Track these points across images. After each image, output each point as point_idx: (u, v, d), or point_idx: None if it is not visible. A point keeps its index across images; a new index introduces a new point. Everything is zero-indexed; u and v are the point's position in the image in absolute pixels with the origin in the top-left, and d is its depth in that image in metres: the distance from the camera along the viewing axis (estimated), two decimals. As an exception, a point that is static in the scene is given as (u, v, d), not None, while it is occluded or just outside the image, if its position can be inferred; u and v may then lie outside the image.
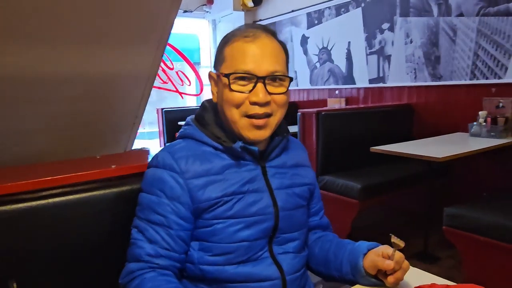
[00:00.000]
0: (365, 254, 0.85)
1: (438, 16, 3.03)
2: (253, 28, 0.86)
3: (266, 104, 0.83)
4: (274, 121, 0.87)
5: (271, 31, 0.88)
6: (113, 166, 0.97)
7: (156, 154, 0.89)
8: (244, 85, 0.83)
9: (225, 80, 0.83)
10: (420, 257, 2.51)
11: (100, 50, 1.35)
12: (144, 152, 1.30)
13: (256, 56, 0.82)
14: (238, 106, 0.84)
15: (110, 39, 1.35)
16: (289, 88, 0.88)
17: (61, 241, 0.85)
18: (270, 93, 0.83)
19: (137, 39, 1.38)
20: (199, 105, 0.98)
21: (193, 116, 0.95)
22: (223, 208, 0.83)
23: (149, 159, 1.19)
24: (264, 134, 0.86)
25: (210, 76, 0.91)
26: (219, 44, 0.89)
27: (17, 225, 0.80)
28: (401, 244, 0.79)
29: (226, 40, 0.87)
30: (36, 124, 1.40)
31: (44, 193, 0.85)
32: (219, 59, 0.88)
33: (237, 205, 0.84)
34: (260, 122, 0.84)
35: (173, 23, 1.39)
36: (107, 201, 0.92)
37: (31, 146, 1.46)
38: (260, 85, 0.82)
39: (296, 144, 1.02)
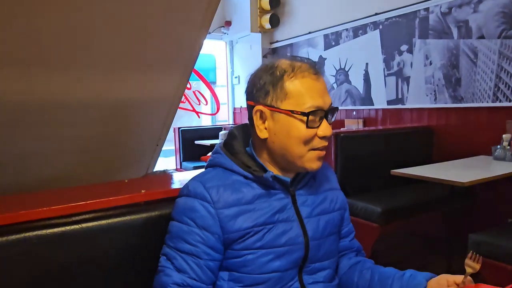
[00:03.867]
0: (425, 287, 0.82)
1: (458, 38, 3.02)
2: (311, 63, 0.86)
3: (330, 136, 0.86)
4: None
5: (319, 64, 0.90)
6: (142, 191, 0.98)
7: (186, 184, 0.89)
8: (313, 121, 0.83)
9: (302, 117, 0.82)
10: (443, 284, 2.42)
11: (126, 76, 1.38)
12: (169, 176, 1.31)
13: (321, 92, 0.84)
14: (308, 142, 0.84)
15: (136, 65, 1.39)
16: None
17: (93, 266, 0.86)
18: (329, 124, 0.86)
19: (164, 64, 1.41)
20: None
21: (221, 144, 0.94)
22: (253, 239, 0.83)
23: (174, 183, 1.20)
24: (322, 163, 0.89)
25: (257, 111, 0.85)
26: (268, 77, 0.84)
27: (49, 250, 0.81)
28: (477, 266, 0.72)
29: (284, 73, 0.83)
30: (62, 147, 1.43)
31: (76, 218, 0.86)
32: (278, 93, 0.83)
33: (267, 235, 0.83)
34: (323, 153, 0.87)
35: (200, 49, 1.41)
36: (137, 226, 0.92)
37: (57, 167, 1.48)
38: (325, 120, 0.84)
39: (324, 168, 1.00)
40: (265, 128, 0.86)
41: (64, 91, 1.34)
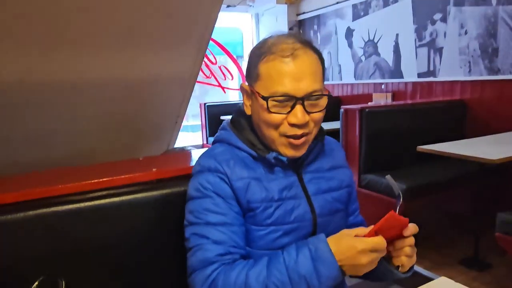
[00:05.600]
0: None
1: (497, 5, 2.80)
2: (290, 44, 0.81)
3: (304, 125, 0.81)
4: (310, 138, 0.86)
5: (308, 43, 0.84)
6: (154, 169, 1.00)
7: (197, 162, 0.89)
8: (282, 107, 0.80)
9: (262, 102, 0.81)
10: (469, 263, 2.37)
11: (142, 53, 1.39)
12: (185, 153, 1.32)
13: (295, 76, 0.79)
14: (276, 127, 0.82)
15: (151, 42, 1.40)
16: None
17: (105, 242, 0.89)
18: (308, 112, 0.81)
19: (178, 41, 1.41)
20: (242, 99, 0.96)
21: (229, 120, 0.95)
22: (264, 215, 0.83)
23: (191, 162, 1.22)
24: (301, 152, 0.86)
25: (242, 88, 0.89)
26: (253, 55, 0.85)
27: (65, 226, 0.85)
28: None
29: (261, 54, 0.82)
30: (84, 125, 1.48)
31: (90, 195, 0.90)
32: (253, 74, 0.84)
33: (276, 212, 0.84)
34: (298, 142, 0.83)
35: (214, 24, 1.40)
36: (149, 204, 0.94)
37: (80, 145, 1.54)
38: (298, 106, 0.80)
39: (332, 145, 1.00)
40: (250, 105, 0.88)
41: (84, 70, 1.37)
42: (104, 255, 0.89)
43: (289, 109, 0.80)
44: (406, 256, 0.78)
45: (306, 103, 0.80)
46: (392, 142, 2.78)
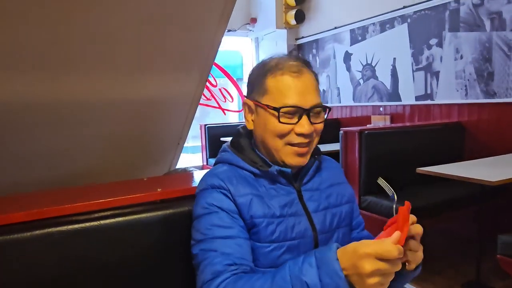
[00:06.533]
0: None
1: (491, 31, 2.89)
2: (296, 62, 0.89)
3: (310, 134, 0.87)
4: (312, 147, 0.92)
5: (309, 64, 0.92)
6: (158, 189, 1.01)
7: (201, 180, 0.92)
8: (290, 117, 0.86)
9: (274, 112, 0.86)
10: (471, 286, 2.35)
11: (146, 77, 1.43)
12: (188, 174, 1.34)
13: (301, 90, 0.86)
14: (283, 136, 0.87)
15: (156, 66, 1.43)
16: (332, 105, 0.91)
17: (110, 261, 0.89)
18: (312, 123, 0.87)
19: (183, 65, 1.45)
20: (241, 121, 1.00)
21: (228, 143, 0.99)
22: (266, 232, 0.84)
23: (194, 182, 1.23)
24: (305, 160, 0.91)
25: (245, 104, 0.94)
26: (257, 72, 0.91)
27: (70, 245, 0.85)
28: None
29: (268, 70, 0.89)
30: (87, 145, 1.50)
31: (95, 215, 0.90)
32: (259, 89, 0.89)
33: (278, 228, 0.85)
34: (304, 150, 0.89)
35: (217, 49, 1.44)
36: (153, 224, 0.95)
37: (84, 164, 1.56)
38: (305, 117, 0.86)
39: (329, 163, 1.03)
40: (252, 120, 0.93)
41: (89, 92, 1.40)
42: (109, 274, 0.89)
43: (296, 120, 0.86)
44: (410, 250, 0.74)
45: (311, 114, 0.87)
46: (392, 163, 2.80)
